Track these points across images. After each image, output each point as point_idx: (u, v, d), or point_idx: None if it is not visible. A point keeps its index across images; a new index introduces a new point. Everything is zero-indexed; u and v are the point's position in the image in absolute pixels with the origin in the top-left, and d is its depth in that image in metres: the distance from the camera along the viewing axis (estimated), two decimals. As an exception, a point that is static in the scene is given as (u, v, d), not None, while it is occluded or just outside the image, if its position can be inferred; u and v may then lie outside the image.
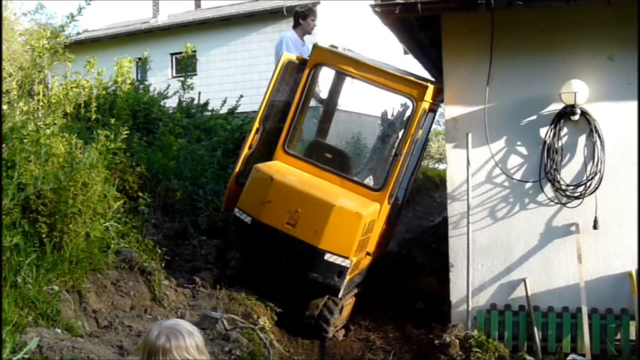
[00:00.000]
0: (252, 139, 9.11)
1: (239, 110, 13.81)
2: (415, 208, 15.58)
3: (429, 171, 19.88)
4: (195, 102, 13.79)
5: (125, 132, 8.92)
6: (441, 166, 21.83)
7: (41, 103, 9.64)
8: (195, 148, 11.57)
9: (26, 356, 6.10)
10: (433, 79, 9.91)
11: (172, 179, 10.63)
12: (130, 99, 11.83)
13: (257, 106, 9.27)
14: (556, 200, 8.56)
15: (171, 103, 13.65)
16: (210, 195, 10.74)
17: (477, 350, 8.10)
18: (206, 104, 13.79)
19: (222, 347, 7.48)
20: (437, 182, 18.11)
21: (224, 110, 13.95)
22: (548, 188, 8.57)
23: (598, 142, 8.40)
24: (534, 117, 8.59)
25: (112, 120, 9.37)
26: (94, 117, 10.16)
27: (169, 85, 13.66)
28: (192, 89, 13.26)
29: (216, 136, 12.56)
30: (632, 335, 8.27)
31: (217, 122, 13.12)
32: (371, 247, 8.92)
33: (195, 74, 21.23)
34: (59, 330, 6.86)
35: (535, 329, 8.43)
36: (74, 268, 7.78)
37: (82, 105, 10.48)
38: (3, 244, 6.84)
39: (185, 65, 16.10)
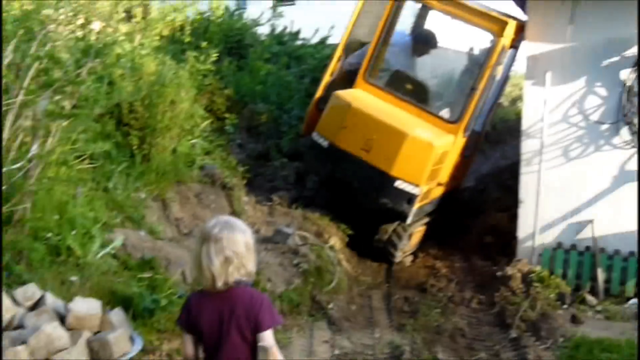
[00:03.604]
0: (334, 66, 9.42)
1: (330, 41, 14.04)
2: (504, 148, 15.56)
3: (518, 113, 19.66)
4: (288, 30, 14.11)
5: (215, 55, 9.39)
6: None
7: (139, 25, 10.19)
8: (283, 74, 11.96)
9: (112, 251, 6.77)
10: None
11: (258, 102, 11.09)
12: (223, 24, 12.28)
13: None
14: (632, 144, 8.53)
15: (265, 31, 14.00)
16: (295, 120, 11.15)
17: (538, 285, 8.30)
18: (298, 32, 14.10)
19: (291, 260, 7.97)
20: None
21: (315, 40, 14.22)
22: (625, 131, 8.54)
23: (679, 86, 8.30)
24: (615, 59, 8.52)
25: (204, 44, 9.83)
26: (187, 40, 10.67)
27: (262, 13, 14.02)
28: (282, 16, 13.60)
29: (305, 64, 12.90)
30: (699, 283, 8.29)
31: (307, 50, 13.45)
32: (443, 178, 9.17)
33: (293, 4, 21.39)
34: (142, 233, 7.49)
35: (600, 270, 8.55)
36: (160, 179, 8.40)
37: (178, 28, 11.00)
38: (95, 151, 7.42)
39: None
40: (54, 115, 6.02)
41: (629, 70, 8.44)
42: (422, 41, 9.73)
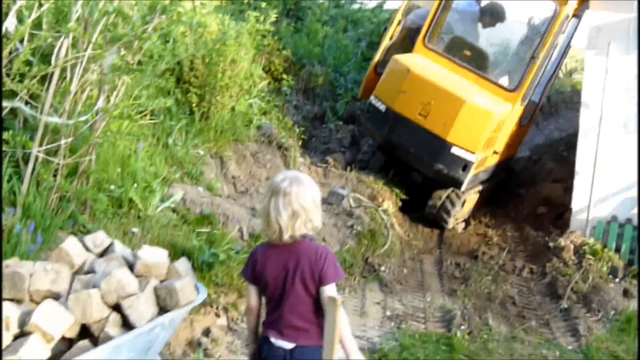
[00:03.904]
0: (393, 30, 9.39)
1: (387, 6, 13.95)
2: (558, 120, 15.36)
3: (579, 85, 19.32)
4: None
5: (275, 16, 9.41)
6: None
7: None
8: (340, 37, 11.95)
9: (172, 205, 6.95)
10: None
11: (315, 64, 11.12)
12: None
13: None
14: (694, 119, 8.38)
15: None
16: (351, 84, 11.16)
17: (591, 257, 8.27)
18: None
19: (345, 222, 8.07)
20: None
21: (372, 4, 14.15)
22: (687, 104, 8.39)
23: None
24: (681, 30, 8.34)
25: (263, 5, 9.86)
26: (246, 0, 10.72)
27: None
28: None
29: (362, 28, 12.86)
30: None
31: (364, 14, 13.39)
32: (499, 146, 9.13)
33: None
34: (201, 189, 7.64)
35: (655, 245, 8.47)
36: (218, 137, 8.53)
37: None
38: (151, 107, 7.54)
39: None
40: (120, 70, 6.14)
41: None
42: (491, 14, 9.61)
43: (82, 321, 3.93)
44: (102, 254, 4.51)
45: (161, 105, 7.23)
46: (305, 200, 3.61)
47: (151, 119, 7.71)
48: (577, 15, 8.98)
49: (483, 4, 9.75)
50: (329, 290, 3.56)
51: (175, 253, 5.97)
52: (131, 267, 4.31)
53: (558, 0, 8.52)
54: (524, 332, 6.82)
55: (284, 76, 10.46)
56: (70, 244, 4.32)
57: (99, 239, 4.58)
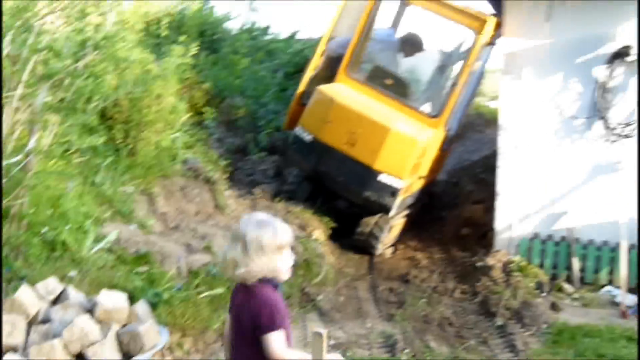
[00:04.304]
0: (316, 61, 9.52)
1: (299, 36, 14.13)
2: (465, 143, 15.88)
3: (482, 108, 20.02)
4: (257, 25, 14.13)
5: (195, 49, 9.38)
6: (492, 104, 21.91)
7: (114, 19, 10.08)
8: (257, 69, 12.01)
9: (107, 245, 6.77)
10: (493, 12, 10.11)
11: (235, 96, 11.13)
12: (197, 18, 12.25)
13: (319, 32, 9.64)
14: (605, 138, 8.85)
15: (233, 26, 13.98)
16: (271, 115, 11.21)
17: (518, 274, 8.56)
18: (267, 27, 14.14)
19: (280, 254, 8.03)
20: (489, 119, 18.30)
21: (284, 35, 14.29)
22: (598, 125, 8.85)
23: (651, 83, 8.64)
24: (590, 56, 8.82)
25: (183, 38, 9.80)
26: (164, 33, 10.63)
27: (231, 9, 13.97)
28: (256, 11, 13.64)
29: (277, 59, 12.97)
30: (669, 272, 8.64)
31: (277, 45, 13.51)
32: (424, 171, 9.37)
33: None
34: (133, 227, 7.50)
35: (575, 259, 8.85)
36: (146, 173, 8.40)
37: (154, 22, 10.94)
38: (82, 146, 7.36)
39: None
40: (51, 109, 5.99)
41: (602, 67, 8.74)
42: (410, 43, 9.90)
43: (46, 373, 3.79)
44: (55, 301, 4.35)
45: (89, 144, 7.10)
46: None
47: (78, 158, 7.52)
48: (492, 42, 9.36)
49: (402, 34, 10.03)
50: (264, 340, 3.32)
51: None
52: (88, 312, 4.18)
53: (475, 29, 8.87)
54: (465, 352, 6.96)
55: (206, 109, 10.40)
56: (24, 294, 4.17)
57: (51, 285, 4.45)
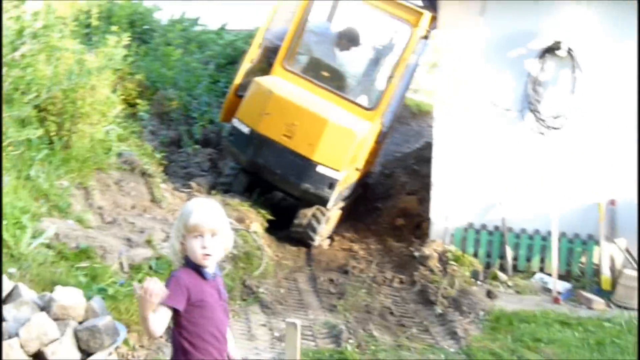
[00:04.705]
0: (253, 52, 9.47)
1: (229, 27, 13.98)
2: (393, 135, 16.12)
3: (407, 100, 20.32)
4: (186, 16, 13.91)
5: (128, 39, 9.18)
6: (417, 97, 22.27)
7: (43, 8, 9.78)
8: (189, 60, 11.85)
9: (46, 241, 6.57)
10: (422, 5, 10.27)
11: (168, 88, 10.95)
12: (126, 8, 11.99)
13: (250, 24, 9.59)
14: (536, 130, 9.13)
15: (162, 16, 13.73)
16: (204, 107, 11.09)
17: (454, 263, 8.77)
18: (197, 18, 13.94)
19: (220, 247, 7.98)
20: (415, 112, 18.59)
21: (213, 26, 14.11)
22: (530, 118, 9.12)
23: (580, 78, 8.94)
24: (522, 50, 9.07)
25: (115, 28, 9.56)
26: (95, 24, 10.36)
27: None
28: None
29: (208, 50, 12.82)
30: (595, 259, 9.00)
31: (209, 36, 13.34)
32: (360, 163, 9.45)
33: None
34: (71, 222, 7.29)
35: (508, 248, 9.12)
36: (81, 166, 8.18)
37: (83, 11, 10.65)
38: (19, 139, 7.15)
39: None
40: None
41: (534, 60, 9.00)
42: (347, 38, 9.94)
43: (4, 373, 3.66)
44: (5, 300, 4.21)
45: (25, 136, 6.89)
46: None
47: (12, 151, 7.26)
48: (426, 36, 9.51)
49: (339, 29, 10.07)
50: None
51: (60, 291, 5.67)
52: (43, 310, 4.06)
53: (411, 23, 8.99)
54: (407, 340, 7.08)
55: (138, 101, 10.20)
56: (-25, 291, 4.01)
57: (0, 283, 4.28)
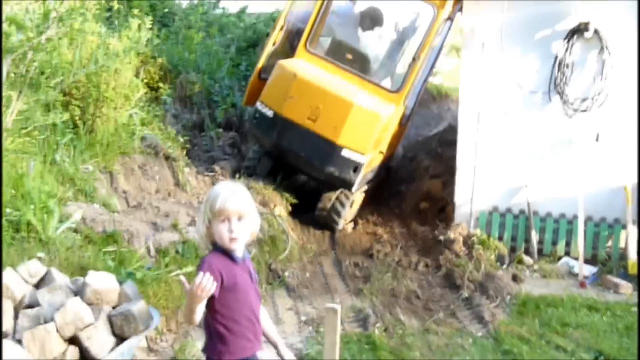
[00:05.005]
0: (276, 35, 9.41)
1: (250, 10, 13.91)
2: (412, 119, 16.03)
3: (427, 84, 20.20)
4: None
5: (151, 22, 9.13)
6: (435, 80, 22.14)
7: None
8: (210, 44, 11.80)
9: (73, 225, 6.57)
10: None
11: (190, 72, 10.91)
12: (148, -10, 11.97)
13: (270, 7, 9.51)
14: (563, 113, 9.01)
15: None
16: (226, 90, 11.04)
17: (479, 247, 8.71)
18: (217, 1, 13.87)
19: (246, 230, 7.97)
20: (434, 95, 18.47)
21: (234, 9, 14.05)
22: (556, 100, 9.02)
23: (608, 60, 8.81)
24: (548, 32, 8.96)
25: (136, 11, 9.51)
26: (116, 7, 10.31)
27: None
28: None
29: (229, 33, 12.76)
30: (622, 243, 8.90)
31: (229, 19, 13.27)
32: (384, 146, 9.39)
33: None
34: (97, 206, 7.30)
35: (533, 232, 9.04)
36: (105, 151, 8.17)
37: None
38: (45, 123, 7.14)
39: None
40: (14, 85, 5.77)
41: (560, 42, 8.88)
42: (370, 18, 9.85)
43: (41, 359, 3.66)
44: (38, 285, 4.21)
45: (52, 121, 6.88)
46: None
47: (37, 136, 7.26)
48: (450, 18, 9.40)
49: (362, 8, 9.98)
50: None
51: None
52: (77, 295, 4.05)
53: (436, 5, 8.88)
54: (434, 324, 7.05)
55: (161, 85, 10.17)
56: (9, 277, 4.01)
57: (33, 268, 4.30)
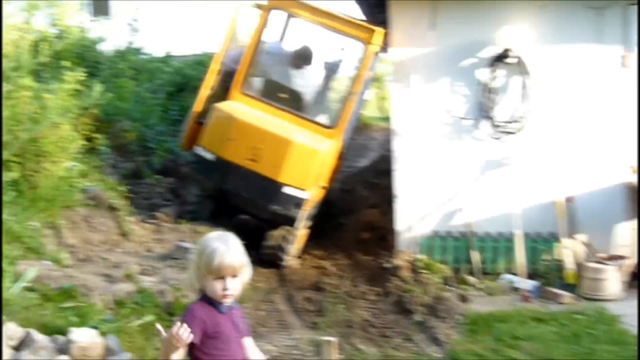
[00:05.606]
0: (211, 79, 9.54)
1: (175, 53, 13.99)
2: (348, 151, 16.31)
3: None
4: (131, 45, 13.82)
5: (83, 75, 9.15)
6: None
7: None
8: (140, 90, 11.82)
9: (29, 284, 6.50)
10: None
11: (123, 120, 10.91)
12: (76, 40, 11.89)
13: (197, 50, 9.66)
14: (492, 136, 9.45)
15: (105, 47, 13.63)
16: (160, 136, 11.08)
17: (425, 271, 8.97)
18: (140, 47, 13.87)
19: (198, 274, 7.99)
20: (359, 126, 18.82)
21: (156, 54, 14.09)
22: (485, 124, 9.44)
23: (529, 84, 9.31)
24: (473, 60, 9.39)
25: (68, 63, 9.47)
26: (44, 60, 10.22)
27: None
28: (137, 31, 13.34)
29: (156, 79, 12.79)
30: (557, 256, 9.32)
31: (156, 65, 13.31)
32: (325, 181, 9.60)
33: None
34: (47, 262, 7.23)
35: (474, 252, 9.37)
36: (49, 205, 8.11)
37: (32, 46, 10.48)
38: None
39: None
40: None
41: (485, 69, 9.34)
42: (301, 57, 10.11)
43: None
44: (19, 347, 4.19)
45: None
46: None
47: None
48: (378, 52, 9.74)
49: (292, 48, 10.23)
50: None
51: (52, 333, 5.62)
52: (61, 353, 4.06)
53: (364, 40, 9.21)
54: (394, 350, 7.23)
55: (95, 135, 10.13)
56: (-10, 342, 3.98)
57: (11, 330, 4.27)
